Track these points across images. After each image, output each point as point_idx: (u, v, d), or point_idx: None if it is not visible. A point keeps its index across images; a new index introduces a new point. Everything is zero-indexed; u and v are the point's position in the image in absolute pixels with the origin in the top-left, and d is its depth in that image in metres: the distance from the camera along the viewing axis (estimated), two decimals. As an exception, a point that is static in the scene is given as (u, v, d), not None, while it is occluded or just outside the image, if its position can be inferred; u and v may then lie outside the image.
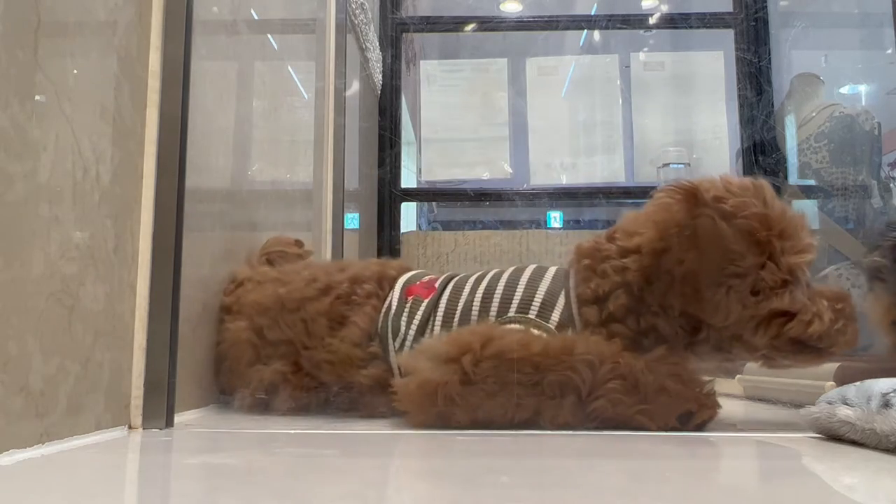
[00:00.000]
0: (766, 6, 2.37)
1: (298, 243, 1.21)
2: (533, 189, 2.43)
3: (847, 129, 2.28)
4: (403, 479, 0.53)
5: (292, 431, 0.75)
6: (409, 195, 2.53)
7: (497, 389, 0.72)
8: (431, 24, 2.54)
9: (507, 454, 0.61)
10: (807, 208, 2.31)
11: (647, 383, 0.71)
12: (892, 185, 2.39)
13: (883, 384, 0.61)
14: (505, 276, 0.86)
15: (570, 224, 2.88)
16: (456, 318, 0.84)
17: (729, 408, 0.91)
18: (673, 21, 2.53)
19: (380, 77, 2.29)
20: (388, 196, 2.35)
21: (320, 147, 1.55)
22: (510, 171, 2.49)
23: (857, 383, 0.64)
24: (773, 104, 2.35)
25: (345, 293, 0.91)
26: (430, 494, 0.46)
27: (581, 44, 2.58)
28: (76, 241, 0.64)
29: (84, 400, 0.64)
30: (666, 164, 2.39)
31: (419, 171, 2.51)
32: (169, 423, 0.74)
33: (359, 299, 0.90)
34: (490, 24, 2.52)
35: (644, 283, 0.76)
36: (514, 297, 0.82)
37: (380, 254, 2.25)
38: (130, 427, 0.73)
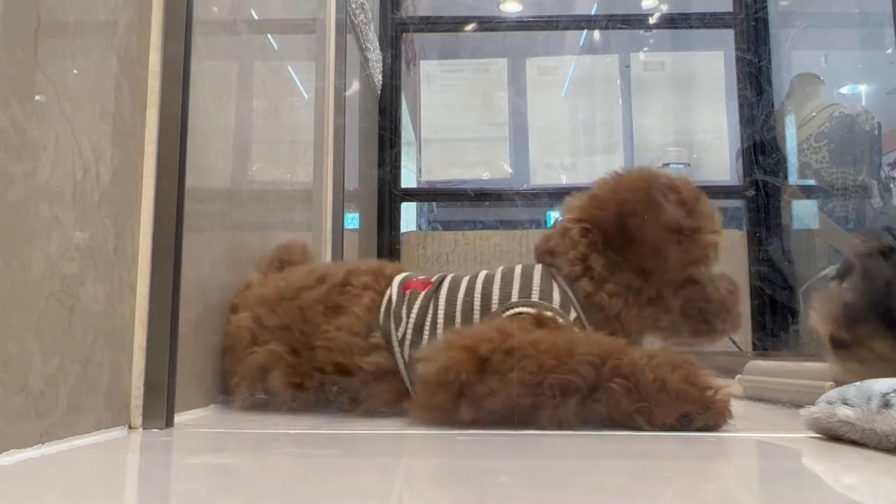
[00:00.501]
0: (766, 6, 2.37)
1: (305, 250, 1.21)
2: (533, 189, 2.43)
3: (847, 129, 2.28)
4: (404, 479, 0.53)
5: (292, 431, 0.75)
6: (409, 195, 2.53)
7: (517, 383, 0.74)
8: (431, 24, 2.54)
9: (507, 454, 0.61)
10: (807, 208, 2.31)
11: (648, 382, 0.71)
12: (892, 185, 2.39)
13: (883, 384, 0.61)
14: (499, 272, 0.91)
15: (570, 224, 2.87)
16: (457, 317, 0.86)
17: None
18: (673, 21, 2.53)
19: (380, 77, 2.29)
20: (388, 196, 2.35)
21: (320, 147, 1.55)
22: (510, 171, 2.49)
23: (857, 383, 0.64)
24: (773, 104, 2.34)
25: (340, 282, 0.95)
26: (431, 494, 0.46)
27: (581, 44, 2.58)
28: (76, 241, 0.64)
29: (84, 400, 0.64)
30: (666, 164, 2.39)
31: (419, 171, 2.51)
32: (169, 423, 0.74)
33: (354, 289, 0.93)
34: (490, 24, 2.52)
35: (606, 241, 0.89)
36: (513, 289, 0.87)
37: (380, 254, 2.25)
38: (130, 427, 0.73)
